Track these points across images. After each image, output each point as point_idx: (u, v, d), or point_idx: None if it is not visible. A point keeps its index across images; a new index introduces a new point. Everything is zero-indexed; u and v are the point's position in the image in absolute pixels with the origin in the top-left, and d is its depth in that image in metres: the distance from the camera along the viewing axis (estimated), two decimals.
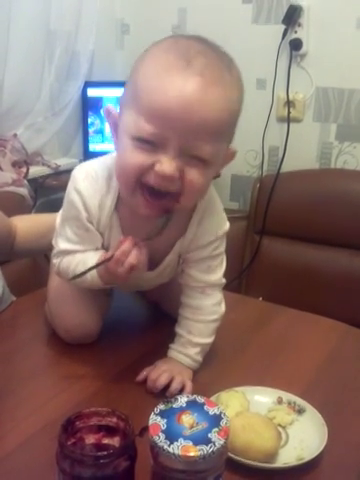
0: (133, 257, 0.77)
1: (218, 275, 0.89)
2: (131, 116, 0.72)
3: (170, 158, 0.71)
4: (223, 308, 0.91)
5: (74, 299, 0.94)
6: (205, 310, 0.88)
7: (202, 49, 0.71)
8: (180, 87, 0.68)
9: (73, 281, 0.85)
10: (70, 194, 0.84)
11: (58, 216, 0.89)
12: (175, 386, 0.81)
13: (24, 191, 1.81)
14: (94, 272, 0.82)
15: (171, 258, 0.88)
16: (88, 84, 2.18)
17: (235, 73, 0.75)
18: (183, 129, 0.69)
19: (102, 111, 0.83)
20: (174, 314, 0.93)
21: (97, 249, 0.86)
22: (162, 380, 0.82)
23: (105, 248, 0.87)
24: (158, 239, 0.85)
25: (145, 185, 0.74)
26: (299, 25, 1.94)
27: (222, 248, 0.89)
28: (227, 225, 0.89)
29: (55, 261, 0.88)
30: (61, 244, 0.87)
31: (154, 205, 0.76)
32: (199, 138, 0.71)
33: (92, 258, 0.83)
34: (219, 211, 0.89)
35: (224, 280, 0.91)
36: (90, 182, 0.82)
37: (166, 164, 0.71)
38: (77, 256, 0.85)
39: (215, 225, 0.87)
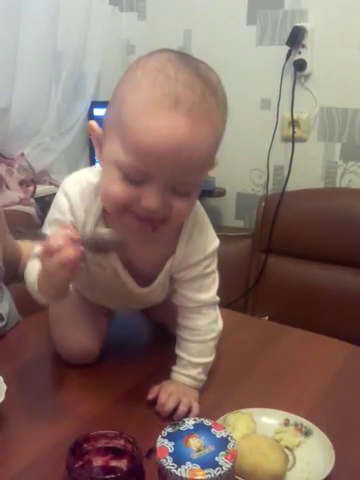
0: (66, 251, 0.68)
1: (211, 293, 0.89)
2: (116, 145, 0.71)
3: (156, 192, 0.71)
4: (220, 324, 0.90)
5: (72, 321, 0.95)
6: (202, 330, 0.88)
7: (190, 81, 0.69)
8: (168, 129, 0.67)
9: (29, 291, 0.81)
10: (58, 198, 0.84)
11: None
12: (182, 409, 0.81)
13: (31, 210, 1.83)
14: (35, 282, 0.77)
15: (163, 276, 0.88)
16: (95, 104, 2.21)
17: (221, 96, 0.73)
18: (170, 169, 0.70)
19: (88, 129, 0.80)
20: (169, 326, 0.93)
21: None
22: (170, 405, 0.82)
23: (100, 263, 0.86)
24: (148, 257, 0.85)
25: (132, 212, 0.74)
26: (303, 46, 1.96)
27: (213, 266, 0.88)
28: (216, 242, 0.88)
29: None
30: (37, 247, 0.81)
31: (141, 226, 0.76)
32: (187, 174, 0.71)
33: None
34: (207, 229, 0.88)
35: (218, 298, 0.90)
36: (79, 188, 0.82)
37: (151, 200, 0.71)
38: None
39: (204, 243, 0.86)
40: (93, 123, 0.79)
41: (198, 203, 0.87)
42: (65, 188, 0.83)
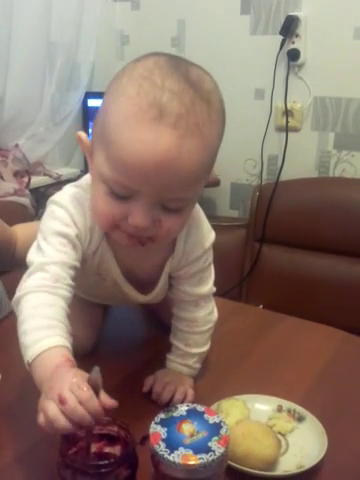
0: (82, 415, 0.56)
1: (209, 285, 0.88)
2: (102, 158, 0.68)
3: (143, 209, 0.67)
4: (216, 314, 0.90)
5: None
6: (200, 321, 0.88)
7: (178, 88, 0.64)
8: (152, 143, 0.62)
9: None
10: (57, 213, 0.76)
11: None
12: (178, 397, 0.82)
13: (26, 201, 1.82)
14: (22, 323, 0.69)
15: (164, 279, 0.87)
16: (89, 95, 2.20)
17: (215, 104, 0.67)
18: (156, 185, 0.65)
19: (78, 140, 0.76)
20: (166, 319, 0.93)
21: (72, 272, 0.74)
22: (166, 395, 0.82)
23: (100, 274, 0.84)
24: (148, 262, 0.84)
25: (121, 229, 0.71)
26: (296, 36, 1.95)
27: (210, 259, 0.87)
28: (213, 235, 0.86)
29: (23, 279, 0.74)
30: (36, 260, 0.73)
31: (133, 241, 0.73)
32: (175, 191, 0.67)
33: (46, 334, 0.66)
34: (203, 223, 0.85)
35: (214, 289, 0.89)
36: (77, 206, 0.77)
37: (138, 217, 0.67)
38: (40, 309, 0.68)
39: (201, 239, 0.84)
40: (81, 134, 0.75)
41: None
42: (62, 203, 0.76)
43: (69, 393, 0.57)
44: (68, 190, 0.79)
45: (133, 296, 0.88)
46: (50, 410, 0.57)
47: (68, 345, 0.66)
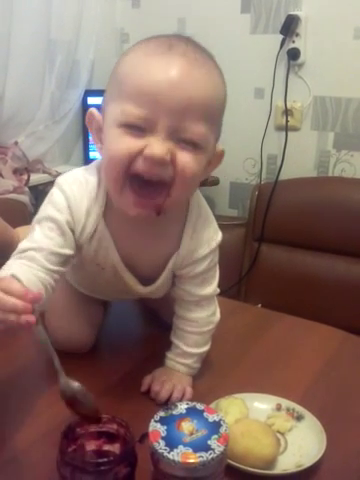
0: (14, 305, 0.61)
1: (213, 287, 0.87)
2: (116, 106, 0.70)
3: (160, 140, 0.68)
4: (218, 316, 0.90)
5: (66, 310, 0.93)
6: (201, 322, 0.87)
7: (184, 39, 0.71)
8: (165, 67, 0.68)
9: None
10: (54, 195, 0.78)
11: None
12: (176, 395, 0.82)
13: (25, 198, 1.82)
14: None
15: (166, 275, 0.86)
16: (88, 93, 2.20)
17: (215, 63, 0.74)
18: (171, 108, 0.67)
19: (86, 118, 0.79)
20: (171, 321, 0.92)
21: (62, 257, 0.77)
22: (164, 393, 0.82)
23: (99, 263, 0.83)
24: (150, 255, 0.83)
25: (134, 177, 0.70)
26: (297, 35, 1.95)
27: (216, 259, 0.86)
28: (220, 236, 0.86)
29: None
30: (22, 244, 0.76)
31: (144, 202, 0.72)
32: (188, 118, 0.68)
33: (20, 269, 0.71)
34: (212, 222, 0.85)
35: (218, 290, 0.88)
36: (78, 187, 0.78)
37: (156, 145, 0.68)
38: (19, 259, 0.73)
39: (208, 238, 0.84)
40: (93, 110, 0.78)
41: (201, 196, 0.86)
42: (62, 186, 0.78)
43: None
44: (74, 171, 0.81)
45: (133, 286, 0.87)
46: None
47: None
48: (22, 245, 0.76)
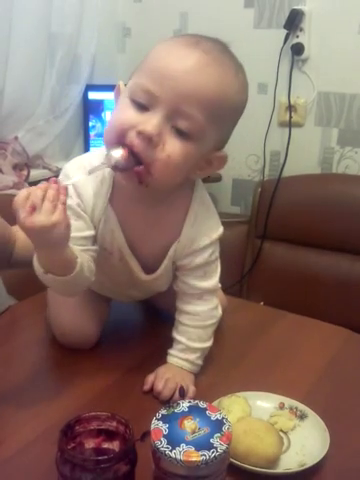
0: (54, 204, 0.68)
1: (214, 281, 0.88)
2: (134, 79, 0.75)
3: (156, 120, 0.71)
4: (220, 311, 0.90)
5: (73, 304, 0.93)
6: (203, 316, 0.88)
7: (214, 40, 0.75)
8: (184, 57, 0.72)
9: None
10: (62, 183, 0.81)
11: None
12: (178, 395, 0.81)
13: None
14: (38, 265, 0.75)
15: (167, 264, 0.87)
16: (89, 87, 2.18)
17: (241, 76, 0.77)
18: (176, 91, 0.71)
19: (115, 91, 0.82)
20: (169, 310, 0.92)
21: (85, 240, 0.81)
22: (168, 392, 0.82)
23: (106, 248, 0.85)
24: (153, 241, 0.85)
25: (126, 147, 0.73)
26: (301, 30, 1.94)
27: (217, 253, 0.88)
28: (221, 229, 0.88)
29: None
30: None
31: (132, 168, 0.73)
32: (189, 105, 0.71)
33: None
34: (213, 214, 0.88)
35: (219, 285, 0.90)
36: (83, 171, 0.80)
37: (150, 123, 0.71)
38: None
39: (209, 228, 0.86)
40: (121, 83, 0.81)
41: (203, 187, 0.87)
42: (69, 174, 0.82)
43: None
44: (79, 157, 0.86)
45: (137, 273, 0.88)
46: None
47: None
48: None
